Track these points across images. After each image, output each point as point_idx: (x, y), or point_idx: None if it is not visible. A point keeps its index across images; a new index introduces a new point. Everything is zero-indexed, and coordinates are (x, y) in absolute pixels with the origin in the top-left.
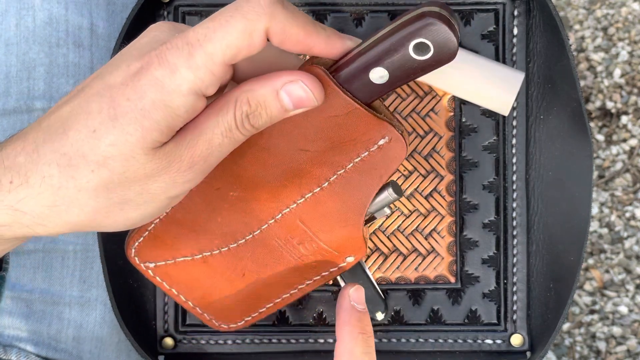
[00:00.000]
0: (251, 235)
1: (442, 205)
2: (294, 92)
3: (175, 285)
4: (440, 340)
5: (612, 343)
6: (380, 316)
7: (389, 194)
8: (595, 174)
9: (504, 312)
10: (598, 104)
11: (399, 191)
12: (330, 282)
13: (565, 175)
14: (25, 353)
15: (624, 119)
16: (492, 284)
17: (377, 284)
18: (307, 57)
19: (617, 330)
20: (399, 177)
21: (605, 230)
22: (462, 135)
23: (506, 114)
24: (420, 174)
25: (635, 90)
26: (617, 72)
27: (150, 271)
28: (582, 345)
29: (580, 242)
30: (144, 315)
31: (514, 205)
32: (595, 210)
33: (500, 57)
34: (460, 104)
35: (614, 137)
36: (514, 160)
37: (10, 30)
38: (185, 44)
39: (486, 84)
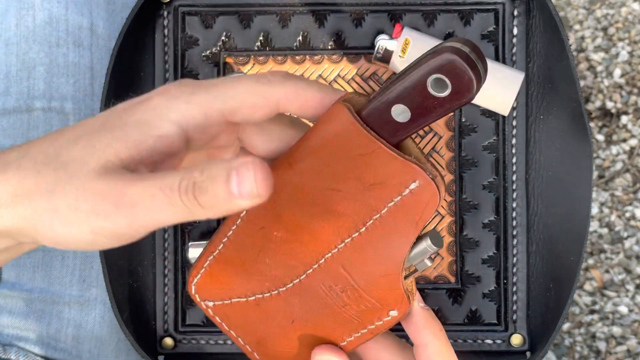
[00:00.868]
0: (298, 280)
1: (442, 205)
2: (244, 183)
3: (234, 328)
4: None
5: (612, 343)
6: None
7: (427, 245)
8: (595, 174)
9: (504, 312)
10: (598, 104)
11: (438, 242)
12: None
13: (565, 175)
14: (24, 352)
15: (624, 119)
16: (492, 284)
17: None
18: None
19: (617, 330)
20: None
21: (605, 230)
22: (462, 135)
23: (506, 113)
24: None
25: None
26: (617, 72)
27: (210, 310)
28: (582, 345)
29: (580, 242)
30: (143, 315)
31: (514, 205)
32: (595, 210)
33: (500, 57)
34: None
35: (614, 137)
36: (514, 160)
37: (10, 30)
38: (193, 85)
39: (486, 84)
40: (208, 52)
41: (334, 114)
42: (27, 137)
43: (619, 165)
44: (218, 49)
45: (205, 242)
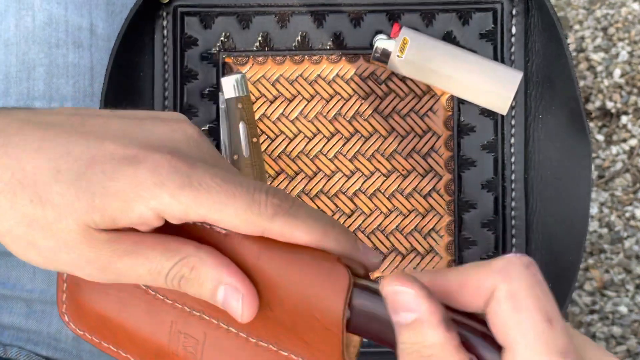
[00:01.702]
0: None
1: (440, 205)
2: (229, 298)
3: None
4: None
5: (612, 343)
6: None
7: None
8: (595, 174)
9: None
10: (598, 104)
11: None
12: None
13: (564, 174)
14: (25, 352)
15: (624, 119)
16: None
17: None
18: None
19: (617, 330)
20: (397, 177)
21: (605, 230)
22: (461, 134)
23: (505, 113)
24: (419, 173)
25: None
26: (617, 72)
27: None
28: None
29: (579, 242)
30: None
31: (513, 204)
32: (595, 210)
33: (498, 56)
34: (458, 103)
35: (614, 137)
36: (513, 159)
37: (10, 31)
38: (189, 166)
39: (485, 83)
40: (207, 52)
41: (329, 284)
42: None
43: (618, 165)
44: (217, 49)
45: None
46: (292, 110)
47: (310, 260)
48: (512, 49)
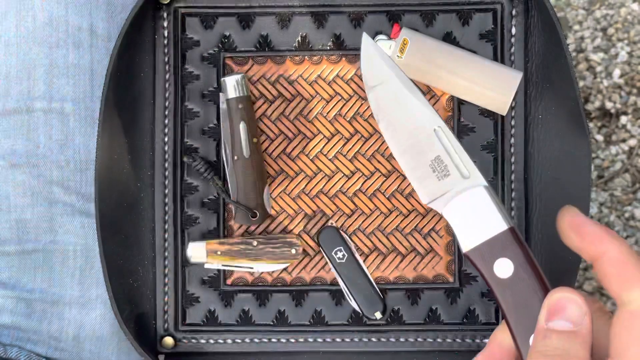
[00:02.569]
0: None
1: None
2: None
3: None
4: (439, 340)
5: None
6: (378, 316)
7: None
8: (595, 174)
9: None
10: (597, 104)
11: None
12: (329, 282)
13: (564, 174)
14: (25, 352)
15: (623, 119)
16: None
17: (376, 284)
18: None
19: None
20: (397, 177)
21: None
22: (461, 134)
23: (504, 113)
24: None
25: (635, 91)
26: (617, 72)
27: None
28: None
29: None
30: (143, 314)
31: (513, 204)
32: (594, 210)
33: (498, 56)
34: (458, 104)
35: (613, 137)
36: (513, 159)
37: (10, 31)
38: None
39: (484, 83)
40: (208, 52)
41: None
42: (27, 138)
43: (618, 166)
44: (217, 49)
45: (204, 241)
46: (292, 110)
47: None
48: (512, 50)
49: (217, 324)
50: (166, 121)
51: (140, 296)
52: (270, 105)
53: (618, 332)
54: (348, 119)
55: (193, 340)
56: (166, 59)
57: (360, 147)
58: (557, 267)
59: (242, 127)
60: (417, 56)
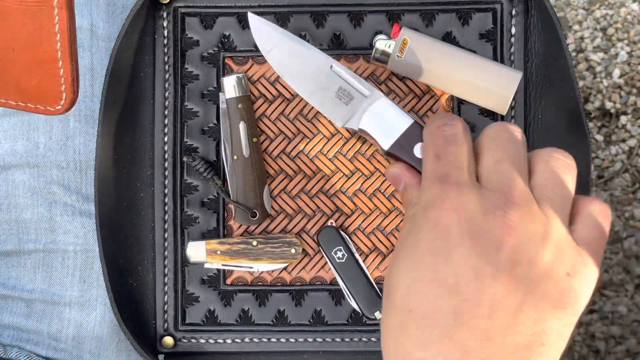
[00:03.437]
0: None
1: None
2: None
3: None
4: None
5: (612, 343)
6: (378, 315)
7: None
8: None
9: None
10: (597, 104)
11: None
12: (328, 282)
13: None
14: (25, 352)
15: (623, 119)
16: None
17: (376, 283)
18: None
19: (616, 330)
20: None
21: None
22: None
23: (504, 113)
24: None
25: (634, 91)
26: (616, 72)
27: None
28: (581, 345)
29: None
30: (143, 314)
31: None
32: None
33: (498, 56)
34: (458, 103)
35: (613, 137)
36: None
37: None
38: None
39: (484, 83)
40: (207, 52)
41: None
42: (27, 138)
43: (618, 166)
44: (217, 49)
45: (204, 241)
46: (292, 110)
47: None
48: (512, 49)
49: (216, 323)
50: (166, 121)
51: (140, 296)
52: (270, 105)
53: None
54: None
55: (193, 340)
56: (166, 59)
57: (360, 147)
58: None
59: (242, 126)
60: (417, 56)
